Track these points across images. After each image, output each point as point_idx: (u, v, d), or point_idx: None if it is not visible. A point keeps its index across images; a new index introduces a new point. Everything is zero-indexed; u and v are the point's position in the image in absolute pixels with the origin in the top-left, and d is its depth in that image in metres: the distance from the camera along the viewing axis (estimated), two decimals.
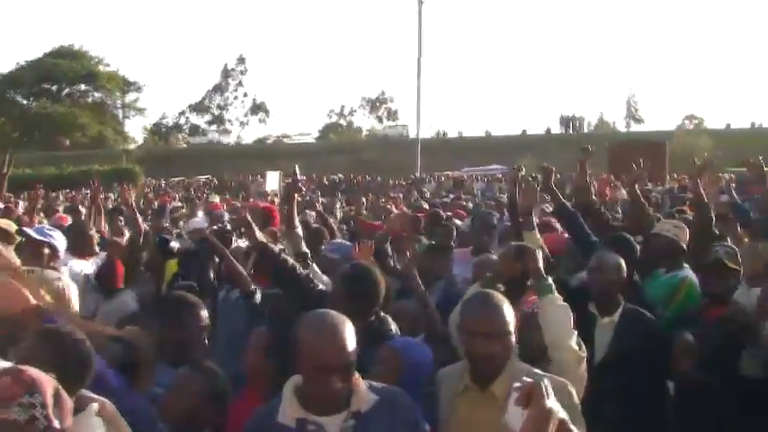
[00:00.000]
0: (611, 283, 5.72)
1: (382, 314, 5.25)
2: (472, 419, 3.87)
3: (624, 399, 5.26)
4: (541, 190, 8.19)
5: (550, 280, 4.76)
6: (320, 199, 20.68)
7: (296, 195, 7.03)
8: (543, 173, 8.33)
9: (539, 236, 6.87)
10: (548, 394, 2.24)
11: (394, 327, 5.19)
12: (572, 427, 2.38)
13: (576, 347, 4.53)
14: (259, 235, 5.67)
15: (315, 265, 6.70)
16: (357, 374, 3.55)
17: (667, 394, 5.76)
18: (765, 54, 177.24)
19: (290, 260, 5.57)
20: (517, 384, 2.30)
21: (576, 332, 4.64)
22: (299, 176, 6.80)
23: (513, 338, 3.98)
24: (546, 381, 2.31)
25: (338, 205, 19.38)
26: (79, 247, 7.67)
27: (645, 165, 10.36)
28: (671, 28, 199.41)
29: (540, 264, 4.84)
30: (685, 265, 6.82)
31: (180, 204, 20.81)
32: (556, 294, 4.65)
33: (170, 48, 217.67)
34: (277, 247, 5.64)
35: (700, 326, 5.86)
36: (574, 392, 3.95)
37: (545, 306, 4.57)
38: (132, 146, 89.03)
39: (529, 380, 2.31)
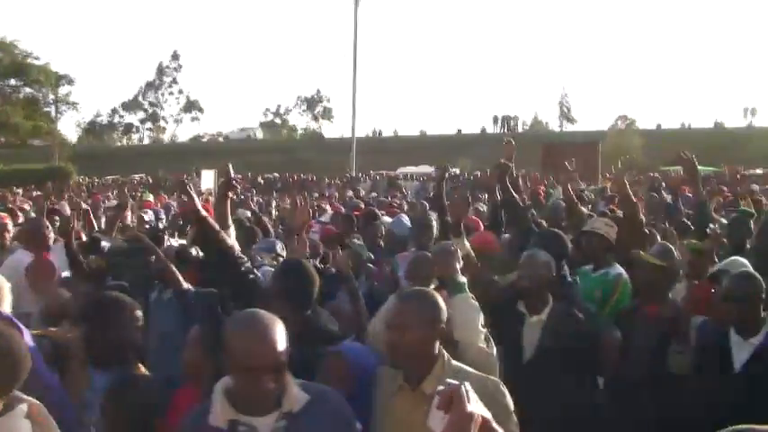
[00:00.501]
0: (540, 280, 5.74)
1: (318, 309, 5.29)
2: (405, 419, 3.83)
3: (553, 396, 5.27)
4: (498, 183, 8.24)
5: (463, 279, 4.79)
6: (255, 198, 20.59)
7: (230, 194, 6.97)
8: (500, 169, 8.38)
9: (467, 241, 6.89)
10: (469, 398, 2.21)
11: (335, 325, 5.23)
12: (496, 427, 2.37)
13: (484, 345, 4.58)
14: (199, 207, 5.64)
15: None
16: (288, 374, 3.52)
17: (597, 391, 5.82)
18: (695, 55, 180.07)
19: (228, 239, 5.58)
20: (440, 388, 2.27)
21: (484, 331, 4.71)
22: (233, 175, 6.74)
23: (436, 334, 3.90)
24: (467, 384, 2.27)
25: (273, 204, 19.28)
26: (34, 241, 7.70)
27: (578, 164, 10.47)
28: (604, 29, 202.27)
29: (456, 264, 4.88)
30: (615, 263, 6.90)
31: (115, 203, 20.54)
32: (467, 293, 4.68)
33: (102, 44, 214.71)
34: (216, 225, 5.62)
35: (634, 323, 5.93)
36: (506, 390, 3.92)
37: (456, 304, 4.59)
38: (65, 144, 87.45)
39: (452, 382, 2.29)
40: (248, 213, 12.59)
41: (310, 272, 5.19)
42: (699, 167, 8.92)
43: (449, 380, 2.35)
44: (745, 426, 1.99)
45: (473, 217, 10.47)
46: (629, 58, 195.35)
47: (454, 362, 3.99)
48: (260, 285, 5.63)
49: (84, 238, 8.04)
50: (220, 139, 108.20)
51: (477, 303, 4.73)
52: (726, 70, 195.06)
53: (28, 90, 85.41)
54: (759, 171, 37.75)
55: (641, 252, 6.28)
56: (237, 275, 5.52)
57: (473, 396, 2.23)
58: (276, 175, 46.67)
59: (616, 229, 7.17)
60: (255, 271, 5.81)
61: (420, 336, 3.83)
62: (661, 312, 5.93)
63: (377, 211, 12.33)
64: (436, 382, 3.71)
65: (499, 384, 3.96)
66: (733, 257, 6.59)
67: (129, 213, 13.43)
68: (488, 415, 2.30)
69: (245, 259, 5.72)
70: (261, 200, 20.63)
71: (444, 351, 3.97)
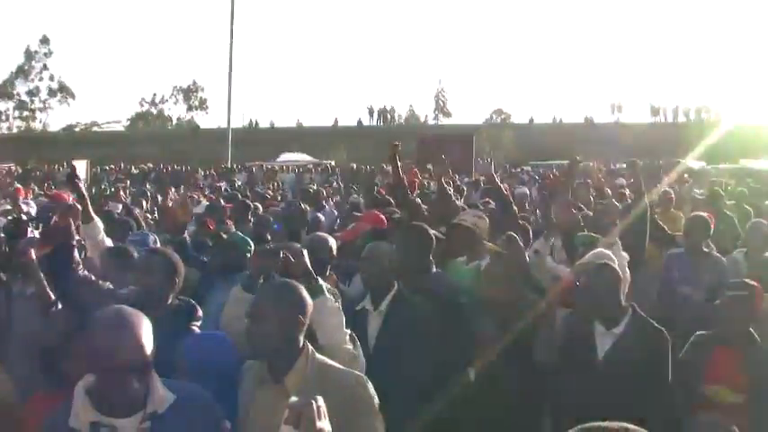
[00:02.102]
0: (381, 272, 5.74)
1: (185, 299, 5.25)
2: (267, 412, 3.77)
3: (399, 388, 5.16)
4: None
5: (321, 281, 4.77)
6: (128, 189, 20.21)
7: (81, 186, 6.84)
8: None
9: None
10: (320, 414, 2.20)
11: (199, 312, 5.18)
12: None
13: (350, 347, 4.59)
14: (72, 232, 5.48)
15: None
16: (154, 373, 3.42)
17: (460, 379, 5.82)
18: (566, 52, 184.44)
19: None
20: (291, 401, 2.23)
21: (348, 332, 4.70)
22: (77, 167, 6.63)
23: (297, 327, 3.85)
24: (320, 400, 2.26)
25: (147, 195, 18.91)
26: None
27: (452, 157, 10.62)
28: (480, 24, 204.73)
29: (307, 265, 4.84)
30: (486, 255, 6.96)
31: None
32: (327, 295, 4.66)
33: None
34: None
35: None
36: (369, 384, 3.89)
37: (317, 308, 4.56)
38: None
39: (295, 399, 2.25)
40: (119, 206, 12.36)
41: (175, 263, 5.19)
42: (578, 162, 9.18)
43: (293, 398, 2.29)
44: (595, 423, 2.00)
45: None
46: (504, 53, 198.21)
47: (319, 356, 3.94)
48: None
49: None
50: (94, 128, 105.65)
51: (338, 305, 4.70)
52: (595, 66, 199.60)
53: None
54: (626, 165, 38.85)
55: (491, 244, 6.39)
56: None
57: (324, 412, 2.20)
58: (150, 165, 45.77)
59: (486, 222, 7.25)
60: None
61: (278, 327, 3.79)
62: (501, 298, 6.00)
63: (249, 203, 12.26)
64: (300, 376, 3.75)
65: (362, 378, 3.95)
66: (597, 250, 6.73)
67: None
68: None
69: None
70: (133, 191, 20.20)
71: (309, 345, 3.93)
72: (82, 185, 7.22)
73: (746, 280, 5.88)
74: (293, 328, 3.83)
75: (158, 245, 7.35)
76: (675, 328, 6.18)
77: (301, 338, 3.87)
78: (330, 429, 2.19)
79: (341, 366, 3.96)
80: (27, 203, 13.70)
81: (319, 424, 2.16)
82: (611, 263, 5.73)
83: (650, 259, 8.58)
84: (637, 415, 2.47)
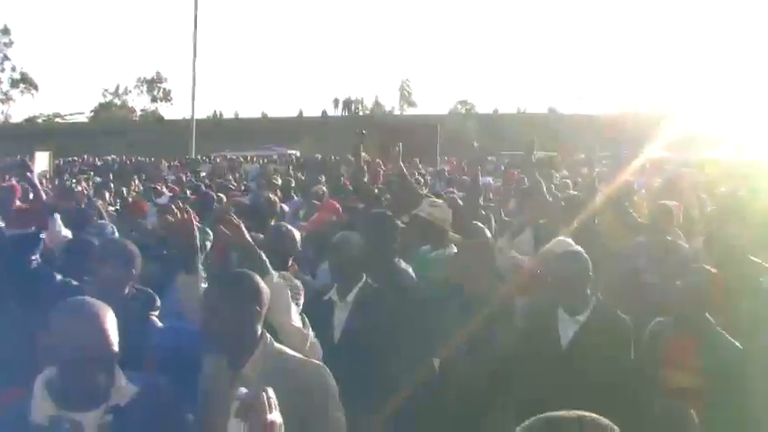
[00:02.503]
0: (349, 262, 5.74)
1: (143, 288, 5.19)
2: (228, 402, 3.77)
3: (364, 380, 5.03)
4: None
5: (264, 257, 4.78)
6: (91, 180, 20.05)
7: (33, 178, 6.89)
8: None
9: None
10: (270, 406, 2.16)
11: (158, 302, 5.15)
12: None
13: (300, 326, 4.57)
14: None
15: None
16: (116, 365, 3.42)
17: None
18: (532, 42, 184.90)
19: None
20: (240, 393, 2.20)
21: (297, 309, 4.68)
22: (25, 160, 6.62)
23: (252, 316, 3.79)
24: (270, 391, 2.22)
25: (110, 187, 18.76)
26: None
27: (417, 147, 10.66)
28: (445, 15, 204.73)
29: (247, 239, 4.83)
30: (450, 244, 6.99)
31: None
32: (273, 273, 4.65)
33: None
34: None
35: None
36: (328, 374, 3.86)
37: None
38: None
39: (245, 391, 2.21)
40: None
41: (130, 252, 5.14)
42: (535, 152, 9.24)
43: (242, 389, 2.26)
44: (552, 413, 2.02)
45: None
46: (469, 43, 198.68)
47: (276, 344, 3.90)
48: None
49: None
50: (57, 119, 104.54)
51: (281, 281, 4.68)
52: (559, 57, 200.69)
53: None
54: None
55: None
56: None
57: (275, 403, 2.17)
58: (114, 157, 45.37)
59: (446, 210, 7.26)
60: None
61: (235, 319, 3.73)
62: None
63: (213, 194, 12.22)
64: (258, 365, 3.70)
65: (320, 367, 3.90)
66: (559, 237, 6.79)
67: None
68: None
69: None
70: (98, 180, 20.06)
71: (267, 335, 3.88)
72: (34, 177, 7.23)
73: (704, 266, 5.96)
74: (251, 320, 3.78)
75: (116, 235, 7.30)
76: (640, 317, 6.25)
77: (259, 328, 3.82)
78: (281, 422, 2.15)
79: (299, 355, 3.92)
80: None
81: (269, 416, 2.12)
82: (579, 249, 5.80)
83: (618, 248, 8.68)
84: (600, 403, 2.49)
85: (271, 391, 2.18)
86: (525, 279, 6.28)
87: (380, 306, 5.63)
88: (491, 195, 13.42)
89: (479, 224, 6.70)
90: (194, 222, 4.76)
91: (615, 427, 1.96)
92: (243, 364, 3.75)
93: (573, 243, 6.33)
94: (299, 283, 5.07)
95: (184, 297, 4.68)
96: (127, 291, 5.03)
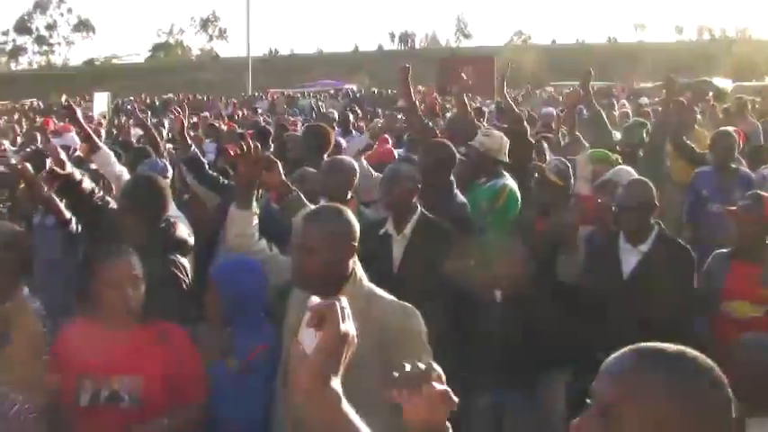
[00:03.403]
0: (403, 194, 5.61)
1: (172, 220, 5.25)
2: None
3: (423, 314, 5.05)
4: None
5: (299, 192, 4.81)
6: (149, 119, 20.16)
7: (79, 118, 6.94)
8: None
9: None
10: (344, 316, 2.04)
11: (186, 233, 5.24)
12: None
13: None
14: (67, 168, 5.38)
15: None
16: None
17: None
18: None
19: (90, 187, 5.37)
20: (311, 302, 2.16)
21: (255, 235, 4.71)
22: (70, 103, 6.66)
23: (346, 253, 3.70)
24: (344, 301, 2.09)
25: (166, 124, 18.86)
26: None
27: (473, 79, 10.51)
28: None
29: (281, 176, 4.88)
30: (505, 174, 6.90)
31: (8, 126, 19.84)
32: (309, 206, 4.65)
33: None
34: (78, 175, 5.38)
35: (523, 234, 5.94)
36: (418, 317, 3.77)
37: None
38: None
39: (317, 300, 2.14)
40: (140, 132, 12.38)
41: (159, 186, 5.18)
42: (593, 82, 9.07)
43: (314, 299, 2.19)
44: (651, 344, 1.90)
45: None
46: None
47: (366, 283, 3.81)
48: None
49: None
50: (114, 61, 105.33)
51: (243, 211, 4.69)
52: None
53: None
54: (650, 84, 38.36)
55: (542, 166, 6.32)
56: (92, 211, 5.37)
57: (348, 314, 2.10)
58: (171, 95, 45.64)
59: (498, 139, 7.13)
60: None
61: (330, 258, 3.65)
62: (550, 226, 5.98)
63: (269, 129, 12.25)
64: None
65: (410, 308, 3.79)
66: (619, 167, 6.69)
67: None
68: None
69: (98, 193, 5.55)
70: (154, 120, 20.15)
71: (358, 271, 3.78)
72: (80, 116, 7.29)
73: (759, 191, 5.84)
74: (345, 257, 3.71)
75: (169, 172, 7.31)
76: (703, 246, 6.15)
77: (350, 264, 3.74)
78: (355, 332, 2.09)
79: (389, 296, 3.82)
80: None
81: (343, 326, 2.03)
82: (644, 179, 5.72)
83: (679, 178, 8.54)
84: (662, 332, 2.40)
85: (344, 301, 2.11)
86: (588, 208, 6.17)
87: (438, 238, 5.52)
88: (552, 125, 13.16)
89: (564, 162, 6.56)
90: (259, 156, 4.74)
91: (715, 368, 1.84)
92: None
93: (633, 172, 6.23)
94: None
95: (236, 232, 4.69)
96: (163, 225, 5.09)
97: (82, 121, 7.37)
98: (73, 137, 11.29)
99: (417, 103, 8.93)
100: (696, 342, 1.99)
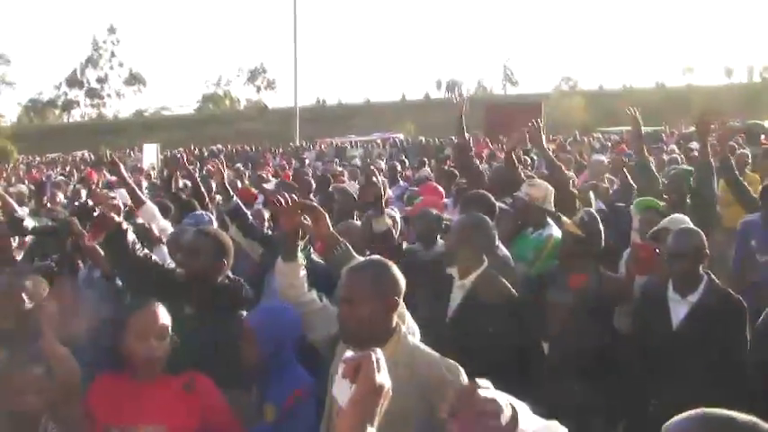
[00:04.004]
0: (466, 244, 5.53)
1: (232, 276, 5.21)
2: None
3: (471, 358, 4.97)
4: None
5: (347, 246, 4.75)
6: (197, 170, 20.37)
7: (122, 172, 7.00)
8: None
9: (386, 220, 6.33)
10: (379, 368, 2.04)
11: (246, 291, 5.16)
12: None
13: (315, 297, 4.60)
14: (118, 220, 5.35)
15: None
16: None
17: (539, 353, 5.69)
18: (636, 16, 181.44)
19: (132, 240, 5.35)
20: (346, 355, 2.10)
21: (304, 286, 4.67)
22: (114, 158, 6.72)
23: (389, 307, 3.66)
24: (379, 352, 2.09)
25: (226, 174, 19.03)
26: None
27: (521, 126, 10.49)
28: None
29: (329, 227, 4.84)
30: (550, 222, 6.82)
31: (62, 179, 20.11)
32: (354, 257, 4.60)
33: (37, 22, 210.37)
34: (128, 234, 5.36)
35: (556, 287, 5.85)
36: (461, 371, 3.66)
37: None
38: (4, 123, 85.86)
39: (351, 353, 2.10)
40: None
41: (222, 241, 5.15)
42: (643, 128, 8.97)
43: (349, 353, 2.16)
44: (720, 411, 1.76)
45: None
46: (572, 20, 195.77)
47: (410, 338, 3.78)
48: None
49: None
50: (164, 112, 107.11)
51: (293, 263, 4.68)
52: (664, 29, 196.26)
53: None
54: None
55: (564, 219, 6.20)
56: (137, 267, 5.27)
57: (383, 365, 2.07)
58: (220, 146, 46.14)
59: (544, 189, 7.07)
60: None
61: (374, 311, 3.62)
62: (586, 283, 5.82)
63: (329, 176, 12.35)
64: (390, 358, 3.58)
65: (452, 365, 3.69)
66: (674, 215, 6.56)
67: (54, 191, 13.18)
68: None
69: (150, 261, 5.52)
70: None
71: (401, 326, 3.76)
72: (122, 170, 7.33)
73: None
74: (390, 311, 3.68)
75: (214, 224, 7.28)
76: (753, 297, 5.97)
77: (394, 319, 3.71)
78: (390, 384, 2.03)
79: (431, 351, 3.78)
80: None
81: (378, 378, 2.01)
82: (693, 227, 5.61)
83: (731, 224, 8.34)
84: (711, 387, 2.30)
85: (380, 353, 2.06)
86: (643, 257, 6.05)
87: (496, 291, 5.44)
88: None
89: (592, 212, 6.46)
90: (299, 210, 4.71)
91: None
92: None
93: (687, 220, 6.12)
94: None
95: (284, 284, 4.66)
96: (219, 281, 5.04)
97: (126, 175, 7.42)
98: (124, 192, 11.42)
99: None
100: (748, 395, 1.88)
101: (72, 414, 3.93)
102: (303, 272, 4.70)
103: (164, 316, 4.04)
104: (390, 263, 3.83)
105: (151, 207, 6.93)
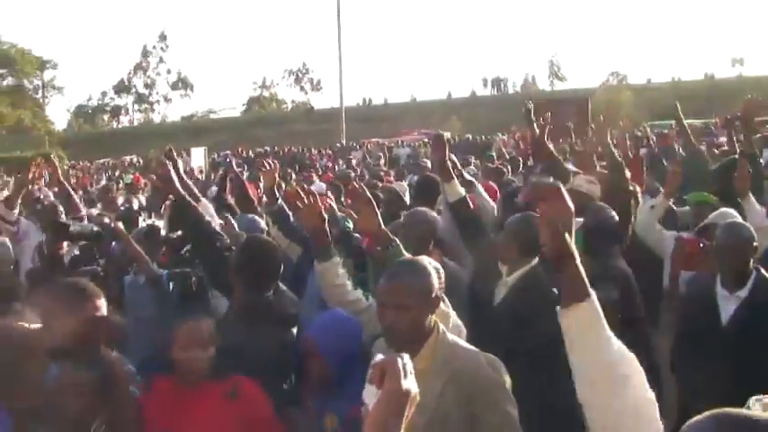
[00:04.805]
0: (520, 246, 5.38)
1: (282, 288, 5.11)
2: None
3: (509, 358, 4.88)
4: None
5: (397, 242, 4.70)
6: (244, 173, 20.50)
7: (179, 168, 6.98)
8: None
9: (459, 187, 6.37)
10: (405, 373, 2.00)
11: (294, 307, 5.07)
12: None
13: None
14: (175, 181, 5.35)
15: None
16: None
17: None
18: (683, 7, 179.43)
19: (204, 215, 5.36)
20: (375, 360, 2.06)
21: (347, 285, 4.66)
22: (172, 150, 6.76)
23: (432, 307, 3.67)
24: (406, 357, 2.05)
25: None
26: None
27: (568, 121, 10.41)
28: None
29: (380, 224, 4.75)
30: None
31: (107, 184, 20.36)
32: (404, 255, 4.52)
33: (89, 29, 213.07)
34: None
35: None
36: (503, 368, 3.67)
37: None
38: (55, 129, 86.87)
39: (381, 357, 2.08)
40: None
41: (275, 252, 5.01)
42: (690, 120, 8.86)
43: (380, 355, 2.13)
44: (736, 411, 1.70)
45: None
46: (619, 13, 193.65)
47: (449, 335, 3.76)
48: None
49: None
50: (211, 115, 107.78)
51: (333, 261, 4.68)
52: (713, 21, 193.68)
53: (12, 80, 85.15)
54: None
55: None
56: (213, 252, 5.31)
57: (410, 370, 2.03)
58: (267, 148, 46.37)
59: (599, 186, 6.97)
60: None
61: (418, 313, 3.61)
62: None
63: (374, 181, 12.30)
64: (430, 356, 3.58)
65: (493, 359, 3.70)
66: (722, 209, 6.46)
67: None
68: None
69: (223, 236, 5.51)
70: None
71: (440, 324, 3.75)
72: (180, 166, 7.36)
73: None
74: (426, 311, 3.67)
75: (263, 227, 7.27)
76: None
77: (432, 318, 3.71)
78: (417, 390, 2.01)
79: (470, 347, 3.78)
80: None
81: (404, 383, 1.97)
82: (743, 222, 5.52)
83: None
84: (762, 387, 2.24)
85: (406, 358, 2.04)
86: (690, 251, 5.97)
87: (541, 289, 5.32)
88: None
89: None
90: (322, 208, 4.72)
91: None
92: (414, 355, 3.50)
93: (736, 214, 6.02)
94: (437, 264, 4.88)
95: (324, 285, 4.64)
96: (271, 293, 4.91)
97: (181, 171, 7.44)
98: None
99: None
100: None
101: (125, 417, 3.96)
102: (342, 270, 4.68)
103: (206, 328, 4.10)
104: (425, 262, 3.84)
105: (206, 204, 6.93)
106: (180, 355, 4.04)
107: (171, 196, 5.51)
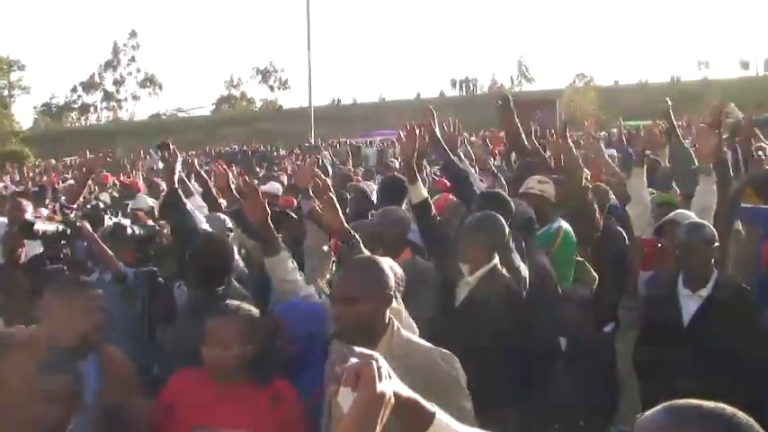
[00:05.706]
0: (484, 247, 5.43)
1: (234, 284, 5.23)
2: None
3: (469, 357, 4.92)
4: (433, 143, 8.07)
5: (359, 238, 4.81)
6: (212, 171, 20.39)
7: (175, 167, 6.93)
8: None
9: (423, 189, 6.33)
10: (380, 376, 1.99)
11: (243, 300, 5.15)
12: (424, 404, 2.23)
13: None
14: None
15: None
16: None
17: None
18: (650, 10, 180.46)
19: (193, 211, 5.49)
20: (349, 363, 2.05)
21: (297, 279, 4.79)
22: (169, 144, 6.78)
23: (384, 303, 3.68)
24: (380, 359, 2.06)
25: (231, 176, 19.03)
26: None
27: (537, 122, 10.48)
28: None
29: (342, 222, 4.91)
30: (558, 218, 6.77)
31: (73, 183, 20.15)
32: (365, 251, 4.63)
33: (56, 27, 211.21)
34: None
35: None
36: (457, 363, 3.73)
37: None
38: (20, 127, 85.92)
39: (355, 360, 2.08)
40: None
41: (221, 248, 5.21)
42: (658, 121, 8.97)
43: (353, 359, 2.12)
44: (689, 401, 1.80)
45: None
46: (587, 15, 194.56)
47: (403, 332, 3.78)
48: None
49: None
50: (180, 114, 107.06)
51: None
52: (680, 24, 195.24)
53: None
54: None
55: None
56: (189, 245, 5.41)
57: (385, 372, 2.03)
58: (235, 147, 46.19)
59: (552, 185, 7.01)
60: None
61: (368, 308, 3.62)
62: None
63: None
64: (386, 351, 3.59)
65: (447, 354, 3.76)
66: (679, 210, 6.54)
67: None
68: (406, 391, 2.15)
69: (201, 231, 5.66)
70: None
71: (395, 321, 3.77)
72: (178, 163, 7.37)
73: None
74: (381, 307, 3.68)
75: (230, 225, 7.29)
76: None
77: (387, 314, 3.72)
78: (392, 393, 2.02)
79: (425, 342, 3.83)
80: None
81: (379, 386, 1.97)
82: (703, 221, 5.59)
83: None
84: (726, 386, 2.30)
85: (381, 360, 2.05)
86: (647, 252, 6.05)
87: (500, 290, 5.36)
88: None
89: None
90: (264, 202, 4.86)
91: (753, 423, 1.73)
92: (370, 350, 3.64)
93: (694, 215, 6.09)
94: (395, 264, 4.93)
95: (276, 280, 4.73)
96: (221, 288, 5.09)
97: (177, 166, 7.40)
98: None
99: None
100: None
101: (131, 406, 4.00)
102: (292, 265, 4.75)
103: (233, 328, 4.07)
104: (379, 259, 3.91)
105: (199, 200, 7.00)
106: (204, 352, 4.05)
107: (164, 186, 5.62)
